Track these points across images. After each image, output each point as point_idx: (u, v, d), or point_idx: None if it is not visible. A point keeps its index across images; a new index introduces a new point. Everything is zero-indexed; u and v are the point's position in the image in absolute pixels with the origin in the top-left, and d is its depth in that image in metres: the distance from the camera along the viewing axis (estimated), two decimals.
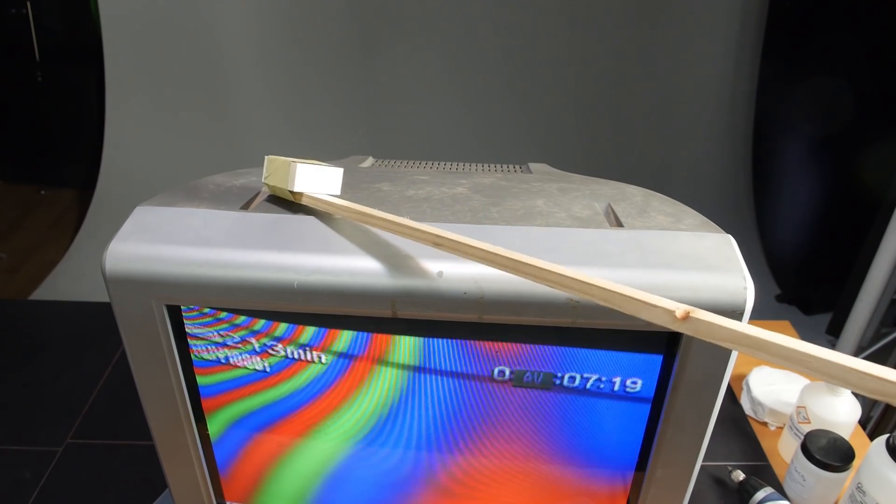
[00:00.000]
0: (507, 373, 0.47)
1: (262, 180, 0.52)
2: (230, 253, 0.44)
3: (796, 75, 2.29)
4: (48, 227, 2.65)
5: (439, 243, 0.40)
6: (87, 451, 0.85)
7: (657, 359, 0.46)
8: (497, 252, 0.36)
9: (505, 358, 0.46)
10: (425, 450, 0.52)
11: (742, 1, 2.43)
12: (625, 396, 0.47)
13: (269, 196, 0.53)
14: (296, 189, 0.48)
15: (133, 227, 0.47)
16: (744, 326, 0.29)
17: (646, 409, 0.48)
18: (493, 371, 0.47)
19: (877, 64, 1.98)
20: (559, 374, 0.47)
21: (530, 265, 0.35)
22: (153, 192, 0.64)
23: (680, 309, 0.31)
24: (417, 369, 0.48)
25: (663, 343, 0.45)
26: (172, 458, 0.53)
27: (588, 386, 0.47)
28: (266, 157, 0.51)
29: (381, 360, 0.48)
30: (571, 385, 0.47)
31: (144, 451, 0.85)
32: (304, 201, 0.49)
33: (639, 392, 0.47)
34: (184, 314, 0.47)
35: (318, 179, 0.48)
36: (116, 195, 2.55)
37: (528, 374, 0.47)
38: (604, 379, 0.47)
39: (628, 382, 0.47)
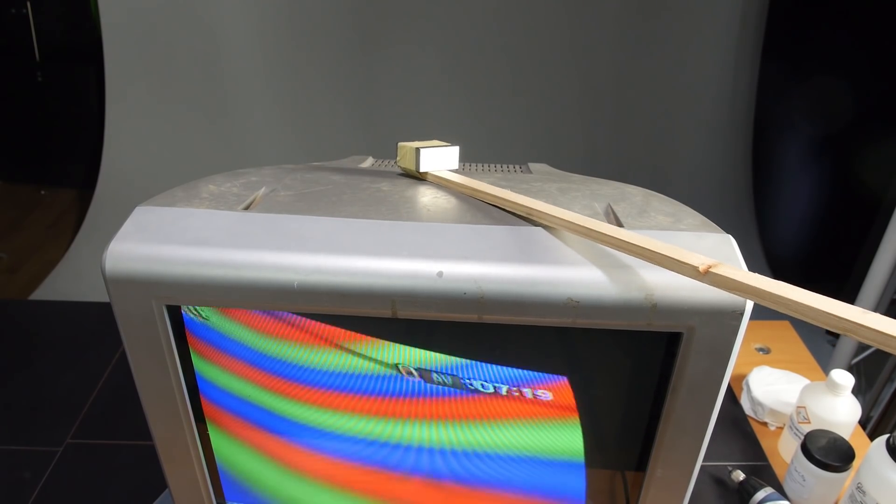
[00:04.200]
0: (416, 373, 0.49)
1: (396, 162, 0.61)
2: (230, 253, 0.44)
3: (796, 75, 2.29)
4: (48, 227, 2.65)
5: (531, 214, 0.48)
6: (86, 451, 0.85)
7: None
8: (575, 220, 0.45)
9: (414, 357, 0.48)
10: (427, 456, 0.52)
11: (742, 1, 2.43)
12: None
13: (269, 196, 0.53)
14: (421, 170, 0.57)
15: (133, 227, 0.47)
16: (752, 278, 0.35)
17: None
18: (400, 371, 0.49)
19: (877, 64, 1.98)
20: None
21: (600, 231, 0.44)
22: (153, 192, 0.64)
23: (703, 264, 0.37)
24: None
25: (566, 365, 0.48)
26: (172, 458, 0.53)
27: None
28: (398, 143, 0.59)
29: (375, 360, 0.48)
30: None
31: (144, 451, 0.85)
32: (429, 178, 0.58)
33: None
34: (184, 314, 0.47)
35: (438, 159, 0.58)
36: (116, 195, 2.55)
37: (434, 373, 0.49)
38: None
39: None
